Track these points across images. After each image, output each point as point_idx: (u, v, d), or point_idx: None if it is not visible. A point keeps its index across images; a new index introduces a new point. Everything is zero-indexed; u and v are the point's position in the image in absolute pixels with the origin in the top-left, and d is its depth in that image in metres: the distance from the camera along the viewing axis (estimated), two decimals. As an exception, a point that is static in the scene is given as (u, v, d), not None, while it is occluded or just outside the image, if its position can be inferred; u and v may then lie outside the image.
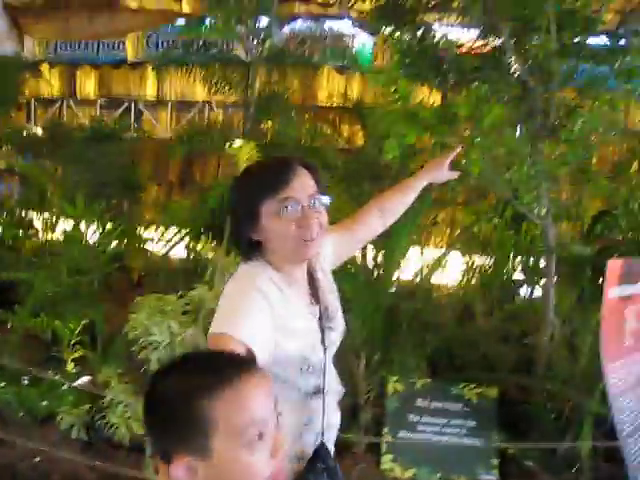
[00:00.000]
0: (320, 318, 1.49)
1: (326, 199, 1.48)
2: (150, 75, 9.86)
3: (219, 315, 1.36)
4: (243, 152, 3.96)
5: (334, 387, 1.57)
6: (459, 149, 2.08)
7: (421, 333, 3.32)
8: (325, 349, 1.48)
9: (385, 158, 2.94)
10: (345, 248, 1.73)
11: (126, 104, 10.11)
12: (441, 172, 1.99)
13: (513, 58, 2.90)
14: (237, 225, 1.46)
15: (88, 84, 10.32)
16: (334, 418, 1.59)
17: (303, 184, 1.40)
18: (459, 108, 2.76)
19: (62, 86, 10.39)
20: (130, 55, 10.00)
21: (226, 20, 5.33)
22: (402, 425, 3.16)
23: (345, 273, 3.01)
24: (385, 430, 3.16)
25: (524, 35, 3.02)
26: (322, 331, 1.48)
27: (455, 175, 2.05)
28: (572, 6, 2.93)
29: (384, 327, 3.21)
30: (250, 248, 1.44)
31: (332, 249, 1.63)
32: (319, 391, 1.48)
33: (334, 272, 1.66)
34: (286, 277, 1.44)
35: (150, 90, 10.02)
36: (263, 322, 1.34)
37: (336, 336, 1.54)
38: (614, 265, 2.42)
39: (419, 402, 3.15)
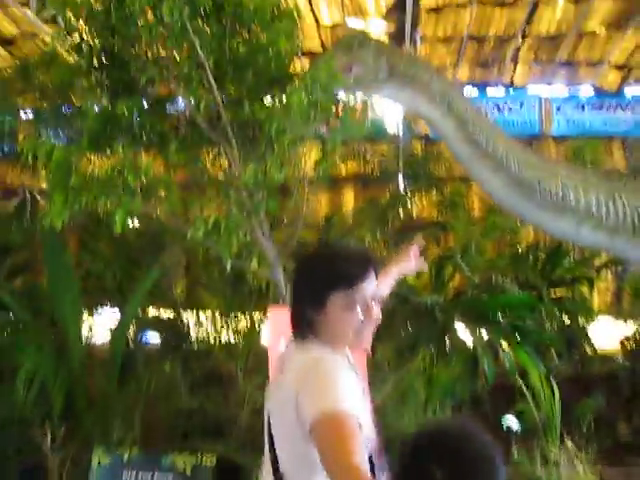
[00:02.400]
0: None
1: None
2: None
3: (323, 392, 1.37)
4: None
5: None
6: (422, 242, 2.29)
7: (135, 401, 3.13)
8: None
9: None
10: None
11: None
12: (410, 264, 2.23)
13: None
14: (301, 305, 1.55)
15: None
16: None
17: (372, 281, 1.53)
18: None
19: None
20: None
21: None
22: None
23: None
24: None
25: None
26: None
27: (425, 266, 2.31)
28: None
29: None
30: (308, 327, 1.53)
31: None
32: None
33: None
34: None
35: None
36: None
37: None
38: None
39: (125, 475, 2.87)
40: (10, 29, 9.87)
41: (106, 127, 3.27)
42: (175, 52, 2.96)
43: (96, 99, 3.35)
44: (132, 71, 3.04)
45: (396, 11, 9.35)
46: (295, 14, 3.70)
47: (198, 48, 2.92)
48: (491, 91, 11.33)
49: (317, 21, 9.89)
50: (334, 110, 3.16)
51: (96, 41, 3.22)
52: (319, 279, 1.52)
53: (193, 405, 3.38)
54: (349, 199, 11.36)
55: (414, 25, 9.67)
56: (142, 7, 2.83)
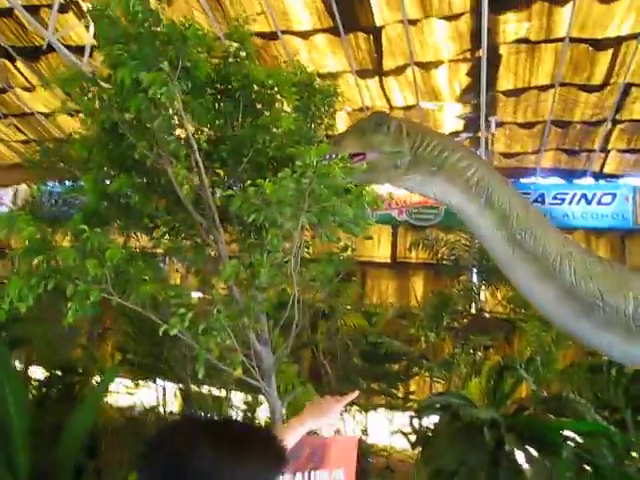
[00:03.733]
0: None
1: None
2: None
3: None
4: None
5: None
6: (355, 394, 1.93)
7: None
8: None
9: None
10: None
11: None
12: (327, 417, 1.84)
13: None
14: None
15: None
16: None
17: None
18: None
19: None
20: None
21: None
22: None
23: None
24: None
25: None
26: None
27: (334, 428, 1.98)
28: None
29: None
30: None
31: None
32: None
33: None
34: None
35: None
36: None
37: None
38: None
39: None
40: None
41: (101, 204, 3.06)
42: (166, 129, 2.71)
43: (102, 175, 3.16)
44: (124, 146, 2.82)
45: (472, 95, 9.00)
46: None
47: (188, 125, 2.65)
48: (579, 180, 10.47)
49: (389, 103, 9.76)
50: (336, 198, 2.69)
51: (101, 116, 3.06)
52: None
53: None
54: (419, 287, 10.70)
55: (491, 109, 9.24)
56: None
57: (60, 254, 2.46)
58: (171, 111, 2.70)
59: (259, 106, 2.88)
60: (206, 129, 2.96)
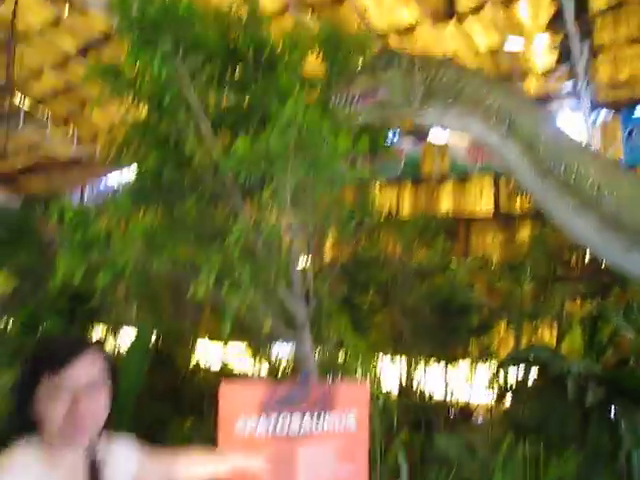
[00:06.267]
0: None
1: (107, 385, 1.47)
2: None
3: None
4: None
5: None
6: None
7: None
8: None
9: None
10: (148, 475, 1.68)
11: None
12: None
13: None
14: (15, 401, 1.45)
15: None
16: None
17: (84, 369, 1.42)
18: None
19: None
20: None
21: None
22: None
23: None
24: None
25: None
26: None
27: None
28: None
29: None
30: (27, 426, 1.42)
31: (137, 470, 1.62)
32: None
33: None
34: (54, 459, 1.41)
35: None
36: None
37: None
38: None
39: None
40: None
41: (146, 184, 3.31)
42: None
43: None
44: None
45: (560, 21, 8.19)
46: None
47: (193, 97, 2.77)
48: None
49: (471, 47, 9.20)
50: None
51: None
52: (28, 367, 1.43)
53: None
54: (524, 235, 10.12)
55: (586, 34, 8.35)
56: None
57: (92, 227, 2.71)
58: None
59: (269, 71, 2.91)
60: (216, 98, 3.06)
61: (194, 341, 5.47)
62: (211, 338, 5.59)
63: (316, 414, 2.24)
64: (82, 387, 1.40)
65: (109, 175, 13.49)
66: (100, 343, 1.46)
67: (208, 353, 5.50)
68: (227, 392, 2.15)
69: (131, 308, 5.63)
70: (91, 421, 1.42)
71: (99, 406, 1.44)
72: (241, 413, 2.13)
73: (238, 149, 2.38)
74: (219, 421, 2.10)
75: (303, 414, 2.23)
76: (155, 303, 5.14)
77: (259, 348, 4.74)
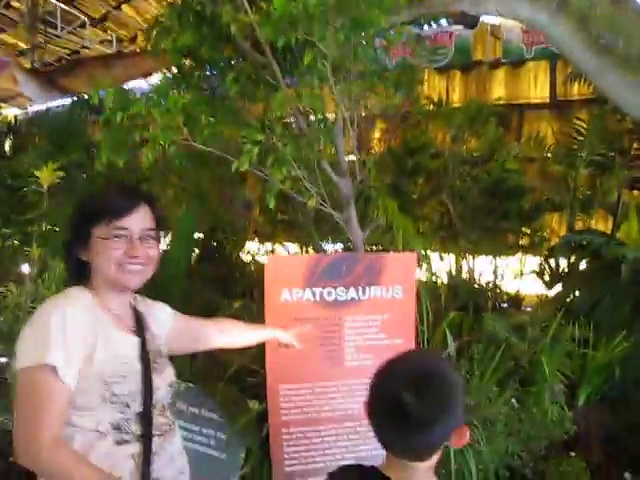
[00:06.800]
0: (143, 351, 1.49)
1: (159, 236, 1.56)
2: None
3: (25, 345, 1.37)
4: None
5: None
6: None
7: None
8: (146, 383, 1.45)
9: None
10: (181, 338, 1.75)
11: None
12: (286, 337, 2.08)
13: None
14: (68, 244, 1.51)
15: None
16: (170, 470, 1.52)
17: (140, 217, 1.49)
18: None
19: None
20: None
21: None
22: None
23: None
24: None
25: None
26: (144, 364, 1.47)
27: (295, 344, 2.08)
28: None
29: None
30: (78, 270, 1.50)
31: (172, 326, 1.69)
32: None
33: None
34: (105, 302, 1.49)
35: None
36: (72, 344, 1.35)
37: (161, 382, 1.52)
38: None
39: (178, 405, 2.88)
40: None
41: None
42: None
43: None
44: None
45: None
46: None
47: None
48: None
49: None
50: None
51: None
52: (81, 215, 1.49)
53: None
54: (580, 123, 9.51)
55: None
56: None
57: (133, 107, 2.64)
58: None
59: None
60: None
61: (244, 239, 5.52)
62: (261, 241, 5.62)
63: (361, 287, 2.23)
64: (137, 234, 1.47)
65: (151, 76, 13.35)
66: (153, 196, 1.49)
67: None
68: (272, 263, 2.16)
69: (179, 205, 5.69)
70: (143, 266, 1.49)
71: (152, 252, 1.51)
72: (286, 284, 2.14)
73: (275, 10, 2.22)
74: (265, 292, 2.12)
75: (348, 287, 2.22)
76: (204, 201, 5.16)
77: (308, 249, 4.73)
